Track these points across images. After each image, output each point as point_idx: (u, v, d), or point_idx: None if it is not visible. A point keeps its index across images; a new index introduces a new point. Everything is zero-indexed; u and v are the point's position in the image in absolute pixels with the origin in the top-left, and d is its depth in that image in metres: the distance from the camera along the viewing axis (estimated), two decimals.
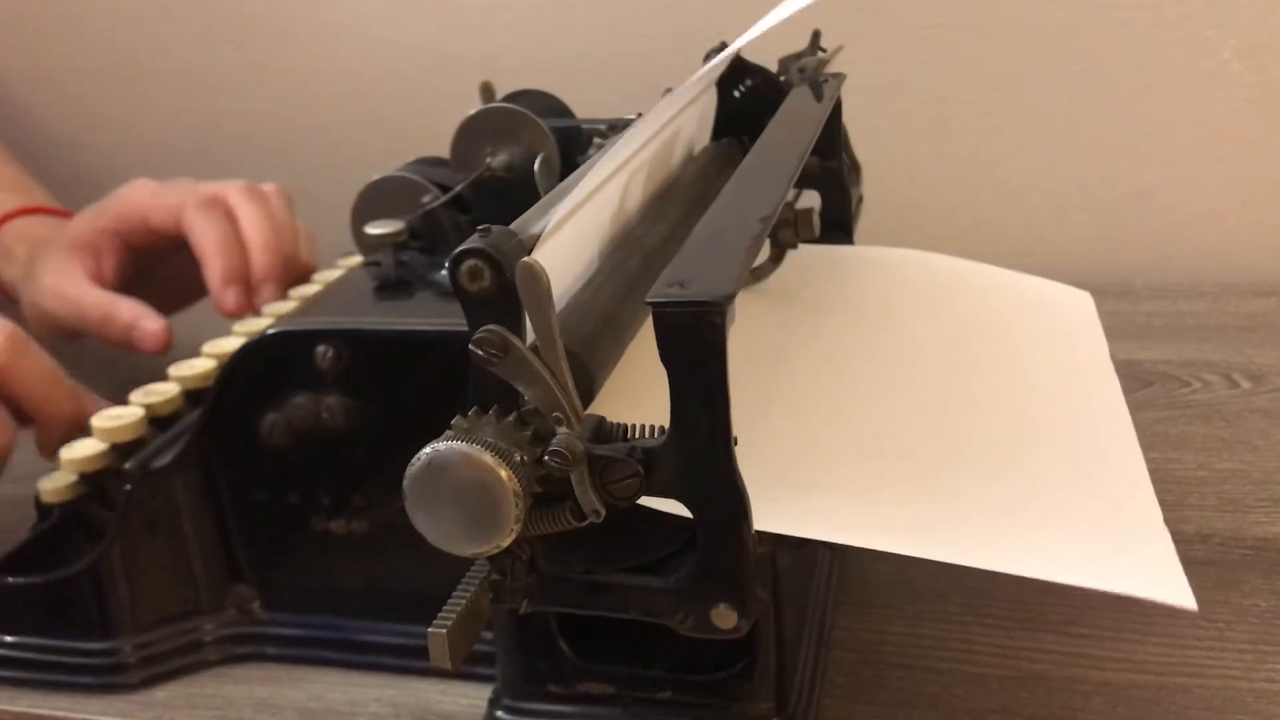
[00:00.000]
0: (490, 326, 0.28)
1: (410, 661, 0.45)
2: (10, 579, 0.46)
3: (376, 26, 0.91)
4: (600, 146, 0.49)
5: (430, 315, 0.44)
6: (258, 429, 0.43)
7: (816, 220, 0.47)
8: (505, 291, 0.29)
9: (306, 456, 0.43)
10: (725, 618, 0.30)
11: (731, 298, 0.27)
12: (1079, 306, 0.52)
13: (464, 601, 0.32)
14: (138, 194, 0.66)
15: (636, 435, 0.29)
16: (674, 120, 0.45)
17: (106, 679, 0.45)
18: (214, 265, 0.61)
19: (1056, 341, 0.49)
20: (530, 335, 0.29)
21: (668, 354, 0.28)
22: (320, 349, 0.42)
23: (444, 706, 0.43)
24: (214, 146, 0.97)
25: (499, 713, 0.40)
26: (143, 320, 0.62)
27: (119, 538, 0.44)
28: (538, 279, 0.28)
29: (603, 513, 0.29)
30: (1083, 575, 0.31)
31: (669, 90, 0.48)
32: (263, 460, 0.44)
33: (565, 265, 0.34)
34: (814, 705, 0.40)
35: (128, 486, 0.44)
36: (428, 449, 0.29)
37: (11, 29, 0.99)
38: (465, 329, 0.41)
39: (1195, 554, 0.48)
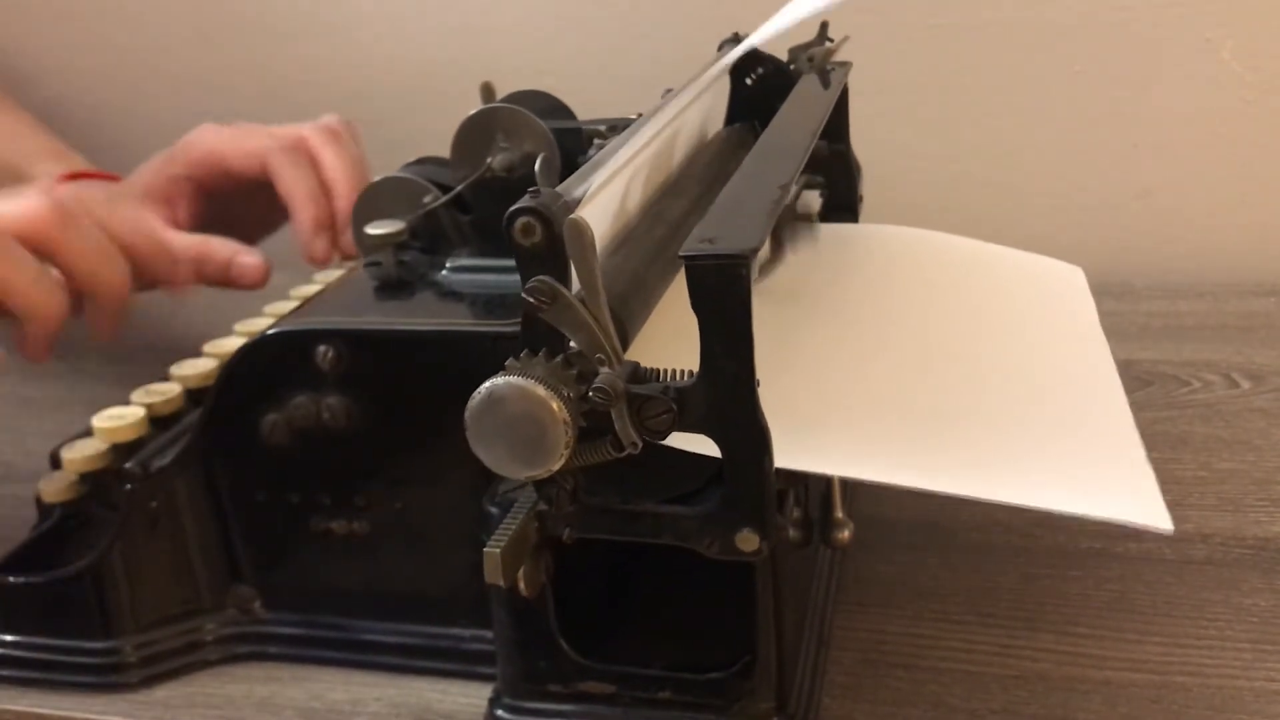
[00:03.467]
0: (540, 277, 0.31)
1: (411, 661, 0.45)
2: (11, 578, 0.46)
3: (377, 27, 0.91)
4: (600, 147, 0.49)
5: (431, 315, 0.44)
6: (258, 429, 0.43)
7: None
8: (553, 245, 0.32)
9: (307, 456, 0.43)
10: (748, 541, 0.33)
11: (756, 250, 0.30)
12: (1070, 278, 0.55)
13: (514, 527, 0.34)
14: (211, 138, 0.66)
15: (669, 378, 0.32)
16: (689, 106, 0.47)
17: (107, 678, 0.45)
18: (304, 214, 0.63)
19: (1050, 307, 0.52)
20: (575, 285, 0.32)
21: (698, 302, 0.31)
22: (321, 349, 0.42)
23: (444, 706, 0.43)
24: None
25: (499, 712, 0.40)
26: (240, 255, 0.62)
27: (120, 537, 0.44)
28: (583, 234, 0.30)
29: (640, 445, 0.32)
30: (1067, 503, 0.35)
31: (669, 91, 0.48)
32: (263, 460, 0.44)
33: (603, 226, 0.37)
34: (814, 705, 0.40)
35: (128, 486, 0.44)
36: (486, 384, 0.31)
37: (11, 29, 0.99)
38: (465, 329, 0.42)
39: (1195, 553, 0.48)
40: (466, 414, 0.31)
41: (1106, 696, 0.41)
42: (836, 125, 0.57)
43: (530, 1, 0.87)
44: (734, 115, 0.56)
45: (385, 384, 0.42)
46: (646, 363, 0.33)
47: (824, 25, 0.57)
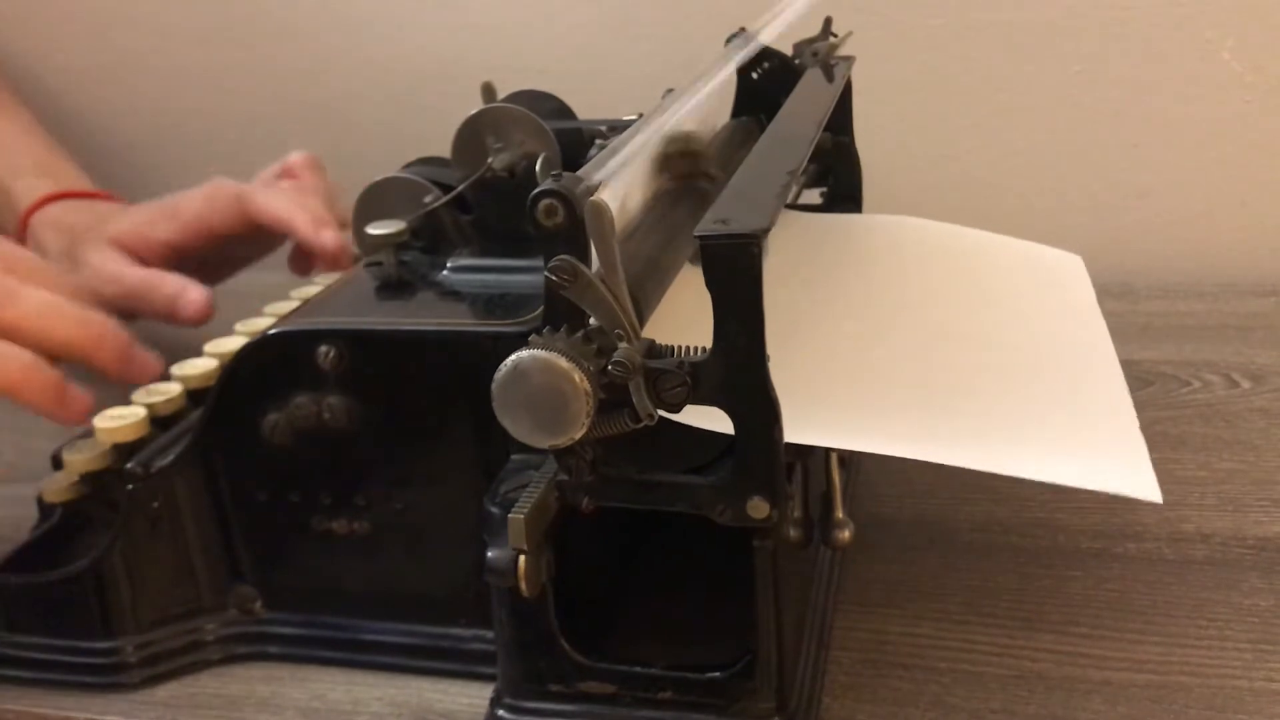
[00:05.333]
0: (562, 256, 0.32)
1: (412, 661, 0.45)
2: (13, 578, 0.46)
3: (378, 27, 0.91)
4: (601, 147, 0.50)
5: (431, 315, 0.44)
6: (259, 429, 0.43)
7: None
8: (575, 226, 0.33)
9: (308, 456, 0.43)
10: (759, 508, 0.34)
11: (767, 231, 0.32)
12: (1069, 264, 0.56)
13: (536, 496, 0.36)
14: (189, 204, 0.67)
15: (683, 353, 0.34)
16: (698, 98, 0.48)
17: (108, 678, 0.45)
18: (298, 219, 0.63)
19: (1049, 290, 0.53)
20: (595, 264, 0.33)
21: (712, 280, 0.32)
22: (322, 349, 0.42)
23: (445, 705, 0.43)
24: (214, 147, 0.97)
25: (500, 712, 0.40)
26: (187, 291, 0.62)
27: (121, 537, 0.44)
28: (603, 215, 0.32)
29: (656, 416, 0.33)
30: (1060, 474, 0.36)
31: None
32: (264, 460, 0.44)
33: (619, 208, 0.38)
34: (814, 705, 0.40)
35: (130, 486, 0.44)
36: (512, 358, 0.33)
37: (11, 29, 0.99)
38: (466, 329, 0.42)
39: (1195, 553, 0.48)
40: (493, 385, 0.33)
41: (1106, 696, 0.41)
42: (840, 118, 0.58)
43: (530, 1, 0.87)
44: (740, 108, 0.57)
45: (386, 384, 0.42)
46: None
47: (828, 21, 0.58)
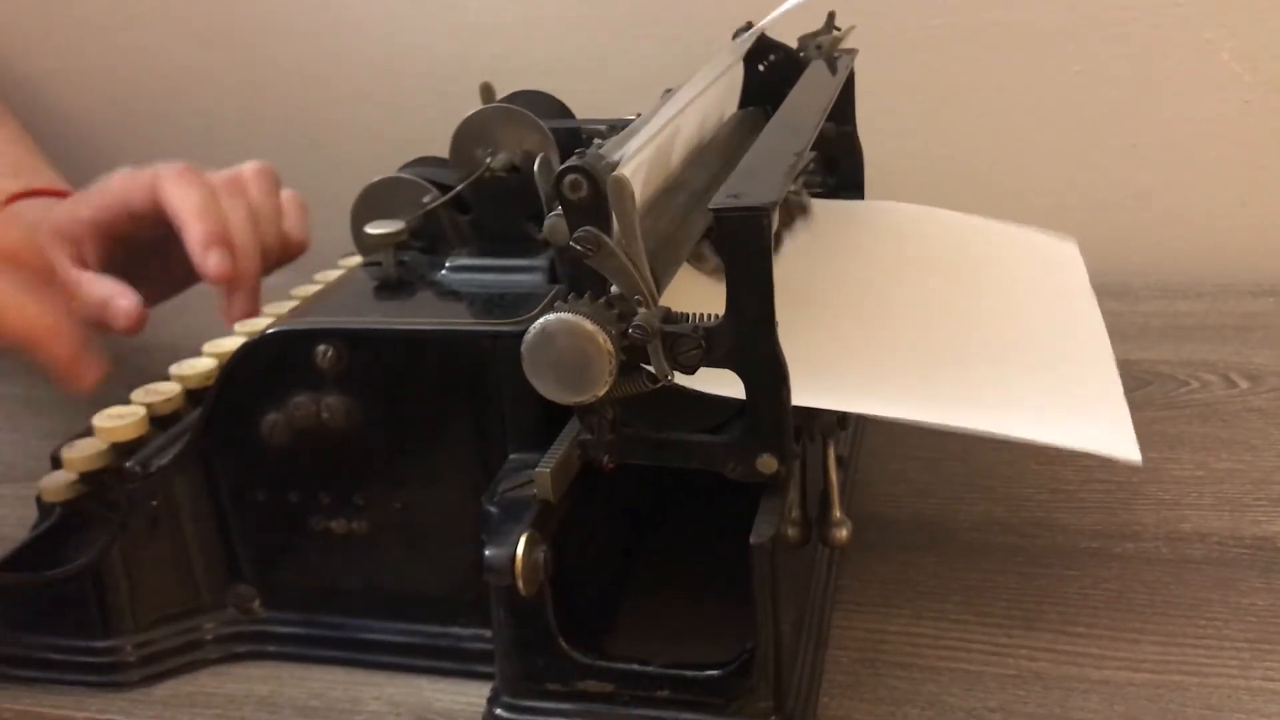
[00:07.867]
0: (586, 227, 0.34)
1: (410, 660, 0.45)
2: (12, 578, 0.46)
3: (376, 27, 0.91)
4: (600, 146, 0.50)
5: (430, 315, 0.44)
6: (258, 428, 0.43)
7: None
8: (598, 199, 0.35)
9: (307, 456, 0.43)
10: (768, 464, 0.37)
11: (776, 204, 0.34)
12: (1064, 248, 0.59)
13: (560, 452, 0.38)
14: (116, 182, 0.63)
15: (698, 319, 0.36)
16: (709, 88, 0.50)
17: (107, 677, 0.45)
18: (193, 229, 0.57)
19: (1043, 270, 0.56)
20: (616, 235, 0.35)
21: (725, 249, 0.34)
22: (320, 348, 0.42)
23: (443, 704, 0.43)
24: (214, 147, 0.97)
25: (498, 711, 0.40)
26: (117, 298, 0.58)
27: (120, 537, 0.44)
28: (624, 188, 0.34)
29: (673, 377, 0.35)
30: (1042, 433, 0.38)
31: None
32: (263, 459, 0.44)
33: (639, 186, 0.39)
34: (812, 704, 0.40)
35: (129, 485, 0.44)
36: (540, 321, 0.35)
37: (12, 29, 0.99)
38: (465, 329, 0.42)
39: (1193, 553, 0.48)
40: (523, 346, 0.35)
41: (1104, 695, 0.41)
42: (843, 108, 0.60)
43: (530, 1, 0.87)
44: (747, 99, 0.58)
45: (385, 383, 0.42)
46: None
47: (831, 15, 0.58)
